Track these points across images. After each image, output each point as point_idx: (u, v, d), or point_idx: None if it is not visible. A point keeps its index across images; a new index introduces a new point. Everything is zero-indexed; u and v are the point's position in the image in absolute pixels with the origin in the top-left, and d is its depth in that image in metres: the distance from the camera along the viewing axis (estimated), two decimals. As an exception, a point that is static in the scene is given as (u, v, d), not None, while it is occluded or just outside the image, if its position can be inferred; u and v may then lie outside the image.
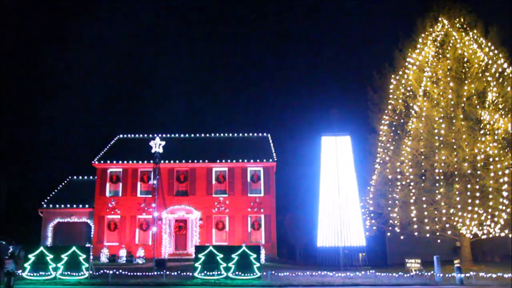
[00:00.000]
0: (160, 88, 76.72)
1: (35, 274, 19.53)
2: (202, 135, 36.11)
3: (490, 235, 23.41)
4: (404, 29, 29.13)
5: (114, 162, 31.61)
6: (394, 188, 24.84)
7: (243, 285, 18.43)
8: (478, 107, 23.23)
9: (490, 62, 23.89)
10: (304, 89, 78.30)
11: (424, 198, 22.94)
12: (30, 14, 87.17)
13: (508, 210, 21.20)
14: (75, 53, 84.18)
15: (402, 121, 25.98)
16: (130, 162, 31.59)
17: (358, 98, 57.37)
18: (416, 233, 23.78)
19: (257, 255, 19.56)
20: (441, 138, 23.01)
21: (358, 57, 79.29)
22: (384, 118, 26.46)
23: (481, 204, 21.57)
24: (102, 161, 31.71)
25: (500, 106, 23.39)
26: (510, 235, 22.70)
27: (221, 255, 19.40)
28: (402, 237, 25.67)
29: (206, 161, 31.53)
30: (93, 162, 31.70)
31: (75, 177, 35.64)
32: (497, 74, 23.67)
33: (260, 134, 36.04)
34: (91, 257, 20.63)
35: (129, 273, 20.70)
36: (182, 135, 35.90)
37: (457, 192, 22.18)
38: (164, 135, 34.76)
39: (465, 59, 24.52)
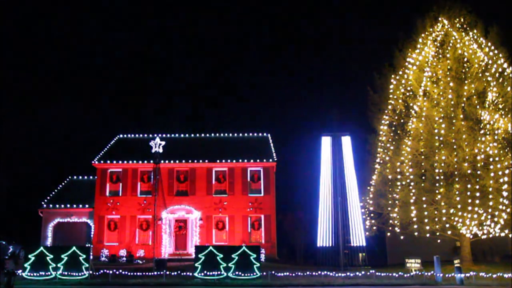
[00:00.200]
0: (160, 88, 76.72)
1: (35, 274, 19.56)
2: (202, 135, 36.12)
3: (490, 235, 23.42)
4: (404, 29, 29.08)
5: (114, 162, 31.62)
6: (394, 188, 24.83)
7: (243, 285, 18.44)
8: (478, 107, 23.23)
9: (490, 62, 23.90)
10: (304, 89, 78.34)
11: (424, 198, 22.94)
12: (29, 14, 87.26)
13: (508, 210, 21.21)
14: (75, 53, 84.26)
15: (402, 121, 25.97)
16: (130, 162, 31.60)
17: (358, 98, 57.35)
18: (416, 233, 23.77)
19: (257, 255, 19.57)
20: (441, 138, 23.01)
21: (358, 57, 79.29)
22: (384, 118, 26.45)
23: (481, 204, 21.56)
24: (102, 161, 31.72)
25: (500, 106, 23.40)
26: (510, 235, 22.72)
27: (221, 255, 19.41)
28: (402, 237, 25.66)
29: (206, 161, 31.54)
30: (93, 162, 31.71)
31: (75, 177, 35.64)
32: (497, 74, 23.68)
33: (260, 134, 36.04)
34: (91, 257, 20.65)
35: (129, 273, 20.70)
36: (182, 135, 35.91)
37: (457, 192, 22.17)
38: (164, 135, 34.77)
39: (465, 59, 24.52)
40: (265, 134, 36.04)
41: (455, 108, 23.43)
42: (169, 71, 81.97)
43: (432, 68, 24.82)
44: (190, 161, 31.56)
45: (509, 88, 23.00)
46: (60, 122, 66.73)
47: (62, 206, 31.75)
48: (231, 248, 21.15)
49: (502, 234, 22.82)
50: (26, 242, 27.33)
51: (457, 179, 22.61)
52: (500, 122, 22.53)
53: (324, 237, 26.64)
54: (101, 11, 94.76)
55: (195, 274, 19.37)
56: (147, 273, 21.36)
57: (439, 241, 25.26)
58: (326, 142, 28.51)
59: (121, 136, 35.99)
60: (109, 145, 34.51)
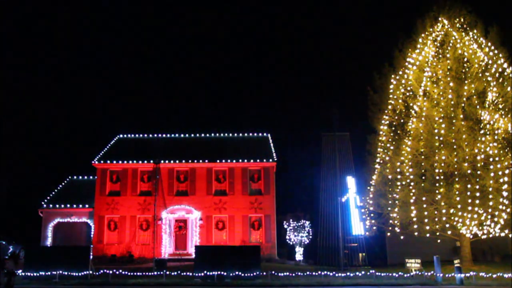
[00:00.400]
0: (160, 88, 76.70)
1: (35, 274, 19.56)
2: (202, 135, 36.11)
3: (490, 235, 23.41)
4: (404, 29, 29.12)
5: (114, 162, 31.61)
6: (394, 188, 24.81)
7: (243, 285, 18.43)
8: (478, 107, 23.22)
9: (490, 62, 23.90)
10: (304, 89, 78.36)
11: (424, 198, 22.93)
12: (29, 14, 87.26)
13: (508, 210, 21.20)
14: (75, 53, 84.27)
15: (402, 121, 25.96)
16: (130, 162, 31.59)
17: (358, 98, 57.33)
18: (416, 233, 23.76)
19: (257, 255, 19.57)
20: (441, 138, 23.00)
21: (358, 57, 79.30)
22: (384, 118, 26.44)
23: (481, 204, 21.55)
24: (102, 161, 31.72)
25: (500, 106, 23.38)
26: (510, 235, 22.70)
27: (221, 255, 19.41)
28: (402, 237, 25.66)
29: (206, 161, 31.53)
30: (93, 162, 31.70)
31: (75, 177, 35.63)
32: (497, 74, 23.67)
33: (260, 134, 36.02)
34: (91, 257, 20.65)
35: (129, 273, 20.71)
36: (182, 135, 35.90)
37: (457, 192, 22.16)
38: (164, 135, 34.72)
39: (465, 59, 24.52)
40: (265, 134, 36.02)
41: (455, 108, 23.42)
42: (169, 71, 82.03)
43: (432, 68, 24.82)
44: (190, 161, 31.55)
45: (509, 88, 22.99)
46: (60, 122, 66.76)
47: (62, 206, 31.74)
48: (231, 248, 21.16)
49: (502, 234, 22.81)
50: (26, 242, 27.38)
51: (457, 179, 22.61)
52: (500, 122, 22.52)
53: (324, 237, 26.66)
54: (101, 11, 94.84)
55: (195, 274, 19.38)
56: (147, 273, 21.37)
57: (439, 241, 25.25)
58: (326, 142, 28.54)
59: (121, 136, 35.97)
60: (109, 145, 34.50)
